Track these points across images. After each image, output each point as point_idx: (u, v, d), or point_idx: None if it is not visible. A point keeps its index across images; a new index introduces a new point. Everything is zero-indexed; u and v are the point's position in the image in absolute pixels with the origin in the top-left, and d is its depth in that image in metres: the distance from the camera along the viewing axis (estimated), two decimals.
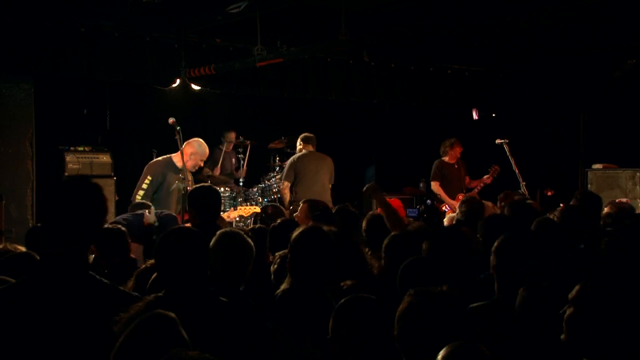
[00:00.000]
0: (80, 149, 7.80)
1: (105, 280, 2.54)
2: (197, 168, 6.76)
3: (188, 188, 5.65)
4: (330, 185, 7.43)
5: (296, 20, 7.77)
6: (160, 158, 6.68)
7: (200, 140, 6.67)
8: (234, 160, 8.94)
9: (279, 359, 2.83)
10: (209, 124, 9.13)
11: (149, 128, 7.25)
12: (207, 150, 6.64)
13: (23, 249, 3.80)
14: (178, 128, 6.44)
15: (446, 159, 8.49)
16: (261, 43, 7.25)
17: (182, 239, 2.86)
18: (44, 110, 7.62)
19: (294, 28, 7.91)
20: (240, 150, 8.72)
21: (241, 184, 8.52)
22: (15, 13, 6.87)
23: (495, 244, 3.09)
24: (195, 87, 8.19)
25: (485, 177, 8.52)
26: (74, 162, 7.63)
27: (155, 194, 6.32)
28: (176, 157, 6.39)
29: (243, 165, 8.85)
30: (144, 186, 6.40)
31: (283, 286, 3.27)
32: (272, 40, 7.43)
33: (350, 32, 7.16)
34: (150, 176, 6.43)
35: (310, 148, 7.64)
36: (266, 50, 7.31)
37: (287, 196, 7.45)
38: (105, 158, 7.77)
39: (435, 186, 8.44)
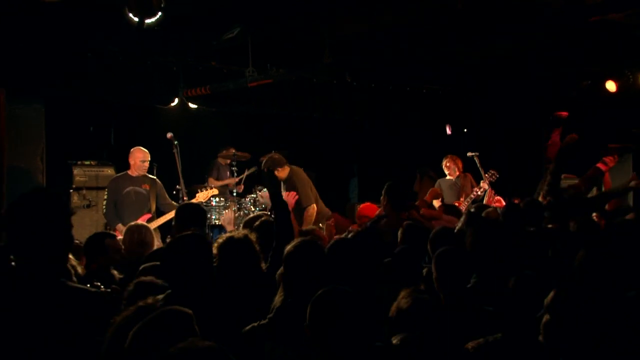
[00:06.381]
0: (87, 163, 8.05)
1: (78, 285, 2.53)
2: (144, 169, 7.07)
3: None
4: None
5: (284, 45, 8.01)
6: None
7: (136, 148, 7.08)
8: (228, 172, 9.01)
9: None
10: (205, 140, 9.34)
11: (150, 144, 7.53)
12: (136, 153, 7.03)
13: None
14: (175, 142, 7.02)
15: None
16: (252, 65, 7.58)
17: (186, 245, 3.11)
18: (54, 128, 7.70)
19: (283, 52, 8.11)
20: (234, 163, 8.75)
21: (234, 194, 8.53)
22: (27, 38, 7.01)
23: None
24: (192, 105, 8.40)
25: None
26: (81, 175, 7.92)
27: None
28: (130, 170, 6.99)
29: (242, 179, 8.88)
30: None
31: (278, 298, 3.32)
32: (263, 63, 7.78)
33: (334, 56, 7.42)
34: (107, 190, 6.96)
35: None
36: (257, 72, 7.63)
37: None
38: (110, 171, 7.97)
39: None
